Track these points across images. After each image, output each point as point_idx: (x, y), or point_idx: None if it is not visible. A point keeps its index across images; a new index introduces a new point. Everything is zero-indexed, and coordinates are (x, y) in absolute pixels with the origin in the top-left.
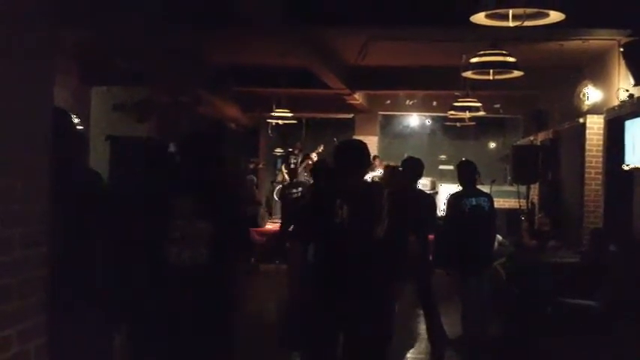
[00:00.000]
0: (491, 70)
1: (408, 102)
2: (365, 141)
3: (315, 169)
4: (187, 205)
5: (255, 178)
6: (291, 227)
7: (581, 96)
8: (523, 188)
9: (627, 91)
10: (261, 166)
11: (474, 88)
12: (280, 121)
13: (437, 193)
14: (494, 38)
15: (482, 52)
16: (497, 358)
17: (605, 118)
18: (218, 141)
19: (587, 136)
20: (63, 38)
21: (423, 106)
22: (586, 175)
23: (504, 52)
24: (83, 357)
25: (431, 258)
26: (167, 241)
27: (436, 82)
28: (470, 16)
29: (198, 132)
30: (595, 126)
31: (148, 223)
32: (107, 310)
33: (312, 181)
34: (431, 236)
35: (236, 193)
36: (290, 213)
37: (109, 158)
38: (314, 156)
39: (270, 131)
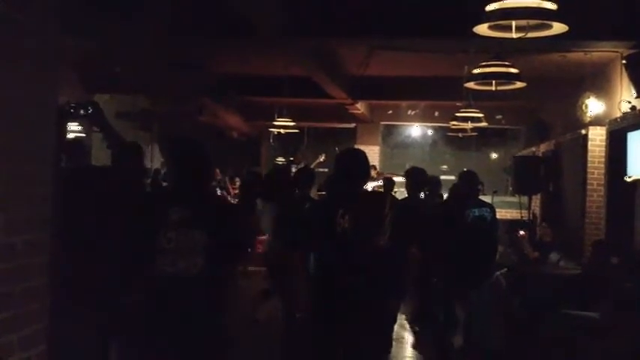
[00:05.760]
0: (493, 81)
1: (409, 112)
2: (367, 151)
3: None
4: (181, 214)
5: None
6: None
7: (584, 107)
8: (525, 199)
9: (629, 102)
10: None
11: (476, 98)
12: (282, 130)
13: None
14: (496, 49)
15: (484, 63)
16: None
17: (607, 130)
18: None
19: (590, 148)
20: (68, 47)
21: (424, 117)
22: (588, 187)
23: (507, 63)
24: None
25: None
26: (160, 252)
27: (438, 93)
28: (473, 27)
29: (190, 140)
30: (597, 137)
31: (141, 233)
32: (101, 320)
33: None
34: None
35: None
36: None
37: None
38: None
39: (272, 140)
